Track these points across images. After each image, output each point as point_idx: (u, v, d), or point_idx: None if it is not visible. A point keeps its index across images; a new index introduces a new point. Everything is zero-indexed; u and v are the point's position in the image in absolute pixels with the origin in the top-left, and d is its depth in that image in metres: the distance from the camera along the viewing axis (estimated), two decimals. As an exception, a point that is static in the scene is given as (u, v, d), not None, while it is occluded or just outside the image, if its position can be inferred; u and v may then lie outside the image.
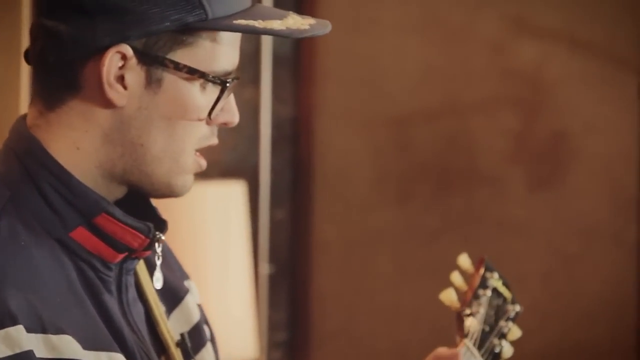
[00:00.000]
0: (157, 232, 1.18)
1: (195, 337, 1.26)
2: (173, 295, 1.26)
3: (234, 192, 2.52)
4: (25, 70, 2.29)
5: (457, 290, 1.32)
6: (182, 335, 1.24)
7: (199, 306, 1.29)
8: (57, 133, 1.14)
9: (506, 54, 2.94)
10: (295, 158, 3.06)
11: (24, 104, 2.30)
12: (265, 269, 2.95)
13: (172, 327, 1.25)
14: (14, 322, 1.07)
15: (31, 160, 1.14)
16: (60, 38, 1.12)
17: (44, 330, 1.09)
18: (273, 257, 3.00)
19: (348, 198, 3.04)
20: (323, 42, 2.96)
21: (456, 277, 1.34)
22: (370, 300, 3.02)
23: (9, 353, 1.07)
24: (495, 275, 1.37)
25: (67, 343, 1.10)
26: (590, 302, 2.88)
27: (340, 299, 3.04)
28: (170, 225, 1.22)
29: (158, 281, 1.22)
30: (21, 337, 1.07)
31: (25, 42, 2.28)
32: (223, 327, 2.44)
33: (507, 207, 2.94)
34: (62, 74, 1.13)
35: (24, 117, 1.17)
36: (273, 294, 2.99)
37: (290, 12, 1.20)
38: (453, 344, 1.37)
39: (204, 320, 1.29)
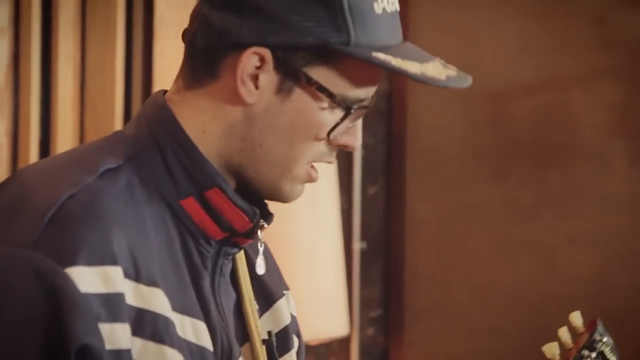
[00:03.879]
0: (261, 220, 1.20)
1: (282, 340, 1.28)
2: (268, 297, 1.28)
3: (326, 167, 2.50)
4: (120, 61, 2.32)
5: (561, 345, 1.31)
6: (269, 332, 1.26)
7: (293, 317, 1.32)
8: (189, 112, 1.18)
9: (607, 24, 2.86)
10: (388, 133, 3.04)
11: (119, 93, 2.33)
12: (358, 245, 2.93)
13: (261, 325, 1.26)
14: (114, 263, 1.11)
15: (161, 127, 1.18)
16: (211, 26, 1.17)
17: (137, 279, 1.12)
18: (366, 234, 2.98)
19: (442, 174, 3.01)
20: (416, 15, 2.92)
21: (564, 333, 1.33)
22: (465, 278, 2.98)
23: (103, 291, 1.10)
24: (605, 339, 1.35)
25: (157, 297, 1.13)
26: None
27: (435, 276, 3.01)
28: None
29: (260, 267, 1.25)
30: (117, 278, 1.11)
31: (120, 35, 2.31)
32: (315, 303, 2.43)
33: (608, 182, 2.87)
34: (206, 59, 1.18)
35: (163, 91, 1.22)
36: (366, 271, 2.98)
37: (437, 58, 1.21)
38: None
39: (295, 329, 1.31)
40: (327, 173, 2.50)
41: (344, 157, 2.86)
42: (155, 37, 2.34)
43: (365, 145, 2.95)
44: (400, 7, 1.21)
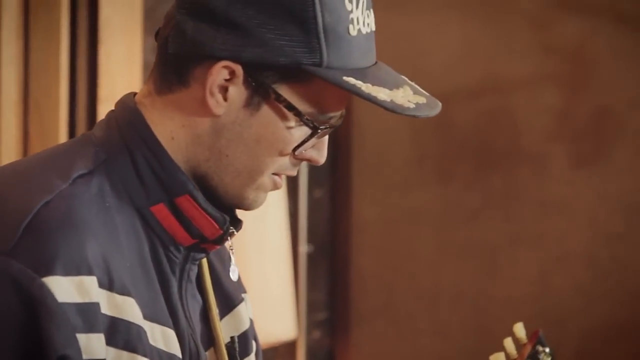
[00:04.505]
0: (230, 227, 1.21)
1: (243, 344, 1.29)
2: (228, 302, 1.29)
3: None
4: (64, 64, 2.31)
5: (507, 355, 1.36)
6: (232, 338, 1.26)
7: (251, 321, 1.32)
8: (158, 117, 1.18)
9: (548, 29, 2.90)
10: (333, 137, 3.04)
11: (63, 96, 2.31)
12: (304, 248, 2.94)
13: (223, 330, 1.27)
14: (90, 272, 1.11)
15: (131, 130, 1.18)
16: (184, 34, 1.16)
17: (110, 288, 1.13)
18: (312, 237, 2.99)
19: (387, 177, 3.03)
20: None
21: (508, 343, 1.37)
22: (410, 280, 3.00)
23: (79, 300, 1.10)
24: (547, 350, 1.41)
25: (130, 305, 1.14)
26: (635, 281, 2.84)
27: (380, 278, 3.03)
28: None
29: (234, 272, 1.26)
30: (92, 288, 1.11)
31: (64, 37, 2.29)
32: (262, 306, 2.43)
33: (549, 185, 2.91)
34: (177, 66, 1.17)
35: (133, 93, 1.22)
36: (312, 274, 2.98)
37: (407, 82, 1.21)
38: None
39: (252, 333, 1.32)
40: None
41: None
42: (99, 40, 2.33)
43: (310, 149, 2.96)
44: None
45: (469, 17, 2.95)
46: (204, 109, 1.16)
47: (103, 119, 1.21)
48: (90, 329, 1.10)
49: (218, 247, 1.22)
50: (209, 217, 1.18)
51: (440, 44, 2.97)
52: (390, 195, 3.02)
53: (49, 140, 2.28)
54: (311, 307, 2.98)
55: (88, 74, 2.36)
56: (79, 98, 2.36)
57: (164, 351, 1.16)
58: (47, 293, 1.08)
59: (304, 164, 2.98)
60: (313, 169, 2.97)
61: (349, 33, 1.17)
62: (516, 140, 2.94)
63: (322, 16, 1.15)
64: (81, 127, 2.33)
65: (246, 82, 1.16)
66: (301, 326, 2.85)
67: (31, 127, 2.33)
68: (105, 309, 1.12)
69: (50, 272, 1.09)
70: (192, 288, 1.23)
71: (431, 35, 2.97)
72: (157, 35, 1.20)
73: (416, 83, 1.23)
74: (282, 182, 1.22)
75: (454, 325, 2.97)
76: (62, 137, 2.30)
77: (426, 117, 1.18)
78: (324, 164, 1.26)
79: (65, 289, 1.09)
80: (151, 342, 1.15)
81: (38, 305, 1.08)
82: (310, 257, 2.99)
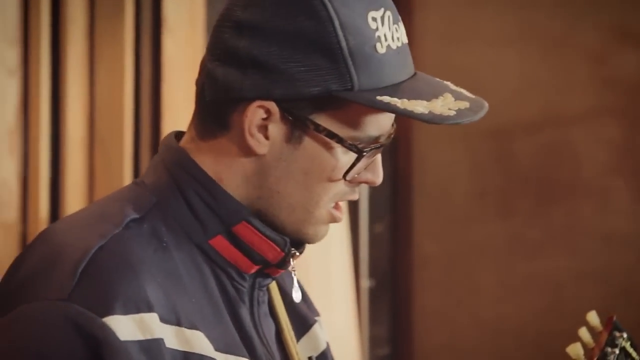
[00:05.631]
0: (292, 249, 1.20)
1: None
2: (303, 322, 1.29)
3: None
4: (129, 101, 2.34)
5: (584, 346, 1.33)
6: (310, 358, 1.26)
7: (327, 344, 1.32)
8: (205, 161, 1.18)
9: (607, 63, 2.89)
10: (394, 171, 3.05)
11: (128, 132, 2.34)
12: (366, 283, 2.94)
13: (300, 351, 1.27)
14: (150, 309, 1.11)
15: (179, 169, 1.18)
16: (216, 80, 1.17)
17: (178, 323, 1.12)
18: (373, 271, 2.99)
19: (448, 211, 3.02)
20: (419, 54, 2.95)
21: (584, 333, 1.35)
22: (473, 315, 2.98)
23: (140, 338, 1.10)
24: (625, 335, 1.37)
25: (199, 339, 1.13)
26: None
27: (443, 313, 3.01)
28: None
29: (297, 292, 1.26)
30: (154, 324, 1.11)
31: (129, 74, 2.34)
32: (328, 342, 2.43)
33: (612, 218, 2.89)
34: (214, 112, 1.18)
35: (174, 133, 1.23)
36: (374, 308, 2.98)
37: (450, 88, 1.19)
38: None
39: (331, 355, 1.32)
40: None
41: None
42: (162, 77, 2.35)
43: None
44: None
45: (528, 51, 2.95)
46: (247, 150, 1.16)
47: (150, 164, 1.22)
48: None
49: (282, 271, 1.21)
50: (268, 241, 1.18)
51: (499, 78, 2.97)
52: (451, 229, 3.01)
53: (114, 176, 2.31)
54: (373, 342, 2.97)
55: (152, 111, 2.39)
56: (143, 134, 2.38)
57: None
58: (109, 332, 1.08)
59: (363, 198, 2.99)
60: (373, 203, 2.98)
61: (376, 51, 1.16)
62: (577, 174, 2.92)
63: (346, 40, 1.14)
64: (145, 163, 2.35)
65: (283, 118, 1.15)
66: (364, 361, 2.84)
67: (96, 164, 2.36)
68: (172, 344, 1.12)
69: (110, 312, 1.09)
70: (264, 315, 1.22)
71: (490, 69, 2.97)
72: (196, 83, 1.21)
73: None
74: (342, 215, 1.20)
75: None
76: (127, 172, 2.32)
77: (470, 123, 1.15)
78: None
79: (126, 327, 1.09)
80: None
81: (101, 346, 1.08)
82: (372, 292, 2.98)
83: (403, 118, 1.16)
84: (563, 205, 2.93)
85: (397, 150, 3.05)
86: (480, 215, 2.99)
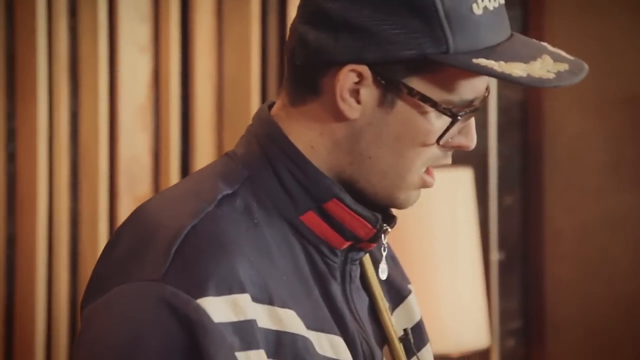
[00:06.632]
0: (384, 224, 1.19)
1: (418, 335, 1.26)
2: (397, 293, 1.27)
3: (462, 179, 2.49)
4: (256, 76, 2.35)
5: None
6: (405, 330, 1.24)
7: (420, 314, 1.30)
8: (296, 128, 1.18)
9: None
10: (524, 143, 3.00)
11: (255, 99, 2.36)
12: (495, 256, 2.90)
13: (395, 323, 1.25)
14: (242, 290, 1.10)
15: (271, 144, 1.18)
16: (307, 44, 1.16)
17: (270, 302, 1.12)
18: (503, 244, 2.95)
19: (581, 183, 2.96)
20: (552, 22, 2.88)
21: None
22: (608, 289, 2.92)
23: (234, 319, 1.10)
24: None
25: (291, 317, 1.13)
26: None
27: (576, 287, 2.96)
28: (398, 214, 1.23)
29: (383, 272, 1.23)
30: (247, 305, 1.10)
31: (255, 51, 2.35)
32: (454, 315, 2.41)
33: None
34: (306, 77, 1.17)
35: (267, 105, 1.22)
36: (504, 282, 2.94)
37: (548, 49, 1.16)
38: None
39: (424, 326, 1.29)
40: (464, 184, 2.49)
41: (480, 168, 2.84)
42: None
43: (500, 155, 2.92)
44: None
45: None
46: (338, 115, 1.15)
47: (243, 135, 1.22)
48: (247, 346, 1.10)
49: (374, 245, 1.20)
50: (360, 218, 1.17)
51: (634, 45, 2.89)
52: (584, 201, 2.95)
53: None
54: (504, 315, 2.94)
55: (278, 86, 2.40)
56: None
57: (334, 359, 1.15)
58: (202, 314, 1.08)
59: (492, 170, 2.95)
60: (503, 175, 2.93)
61: (473, 13, 1.13)
62: None
63: (442, 1, 1.12)
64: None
65: (376, 82, 1.14)
66: (494, 335, 2.82)
67: (225, 140, 2.39)
68: (265, 324, 1.11)
69: (203, 293, 1.09)
70: (356, 289, 1.21)
71: (625, 36, 2.89)
72: (285, 48, 1.20)
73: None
74: (433, 180, 1.18)
75: (654, 335, 2.87)
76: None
77: (569, 85, 1.11)
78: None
79: (219, 309, 1.09)
80: (319, 351, 1.14)
81: (196, 327, 1.08)
82: (502, 265, 2.95)
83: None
84: (703, 175, 2.84)
85: (528, 121, 2.99)
86: (615, 187, 2.91)
